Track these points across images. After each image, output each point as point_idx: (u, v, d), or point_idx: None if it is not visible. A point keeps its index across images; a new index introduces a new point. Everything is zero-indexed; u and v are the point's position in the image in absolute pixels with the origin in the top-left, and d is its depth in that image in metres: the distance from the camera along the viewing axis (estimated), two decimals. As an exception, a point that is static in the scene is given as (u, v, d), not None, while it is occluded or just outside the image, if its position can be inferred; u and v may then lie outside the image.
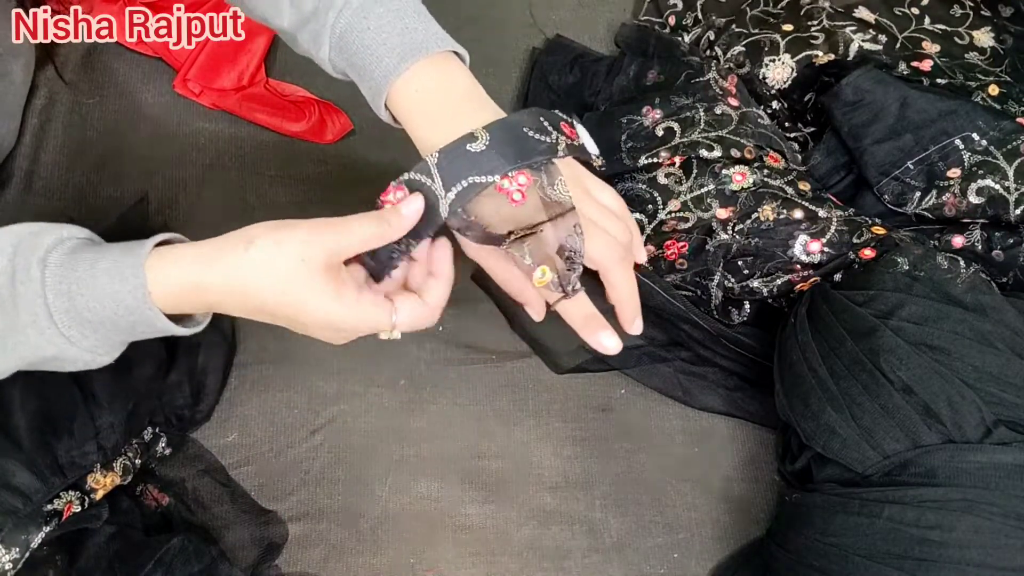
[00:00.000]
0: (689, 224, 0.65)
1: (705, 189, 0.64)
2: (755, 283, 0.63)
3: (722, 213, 0.64)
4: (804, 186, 0.65)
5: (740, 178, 0.64)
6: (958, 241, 0.64)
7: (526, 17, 0.81)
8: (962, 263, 0.58)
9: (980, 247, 0.64)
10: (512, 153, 0.40)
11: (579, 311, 0.42)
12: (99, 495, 0.53)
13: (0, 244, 0.37)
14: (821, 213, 0.63)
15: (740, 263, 0.63)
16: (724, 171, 0.64)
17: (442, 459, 0.65)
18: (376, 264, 0.42)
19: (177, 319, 0.40)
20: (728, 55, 0.74)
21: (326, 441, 0.64)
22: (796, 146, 0.73)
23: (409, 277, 0.43)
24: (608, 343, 0.41)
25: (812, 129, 0.75)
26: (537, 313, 0.45)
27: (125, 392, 0.54)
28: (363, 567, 0.62)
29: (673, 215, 0.65)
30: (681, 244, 0.65)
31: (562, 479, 0.65)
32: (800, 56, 0.72)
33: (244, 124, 0.71)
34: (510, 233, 0.40)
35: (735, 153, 0.65)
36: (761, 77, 0.72)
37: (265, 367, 0.66)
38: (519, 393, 0.67)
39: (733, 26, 0.76)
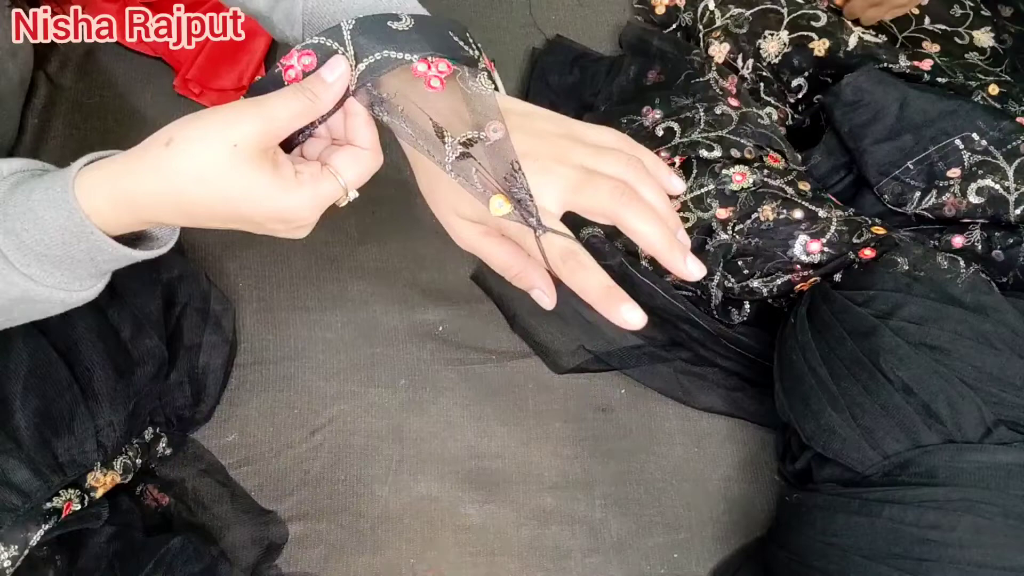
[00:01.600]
0: (689, 224, 0.65)
1: (705, 189, 0.64)
2: (755, 283, 0.63)
3: (722, 213, 0.64)
4: (804, 186, 0.65)
5: (740, 178, 0.64)
6: (958, 241, 0.64)
7: (526, 17, 0.81)
8: (962, 263, 0.58)
9: (980, 247, 0.64)
10: (436, 44, 0.37)
11: (596, 283, 0.35)
12: (99, 494, 0.53)
13: None
14: (821, 213, 0.63)
15: (740, 263, 0.63)
16: (724, 171, 0.64)
17: (442, 459, 0.65)
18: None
19: (136, 242, 0.37)
20: (727, 15, 0.74)
21: (326, 441, 0.64)
22: (778, 109, 0.72)
23: (321, 155, 0.38)
24: (630, 316, 0.35)
25: (797, 116, 0.75)
26: (549, 297, 0.39)
27: (126, 391, 0.54)
28: (363, 567, 0.62)
29: None
30: None
31: (562, 479, 0.65)
32: (796, 35, 0.72)
33: (244, 124, 0.72)
34: (441, 134, 0.35)
35: (735, 153, 0.65)
36: (757, 47, 0.72)
37: (265, 367, 0.66)
38: (519, 393, 0.67)
39: None
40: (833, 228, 0.62)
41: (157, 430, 0.60)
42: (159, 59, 0.72)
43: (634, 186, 0.36)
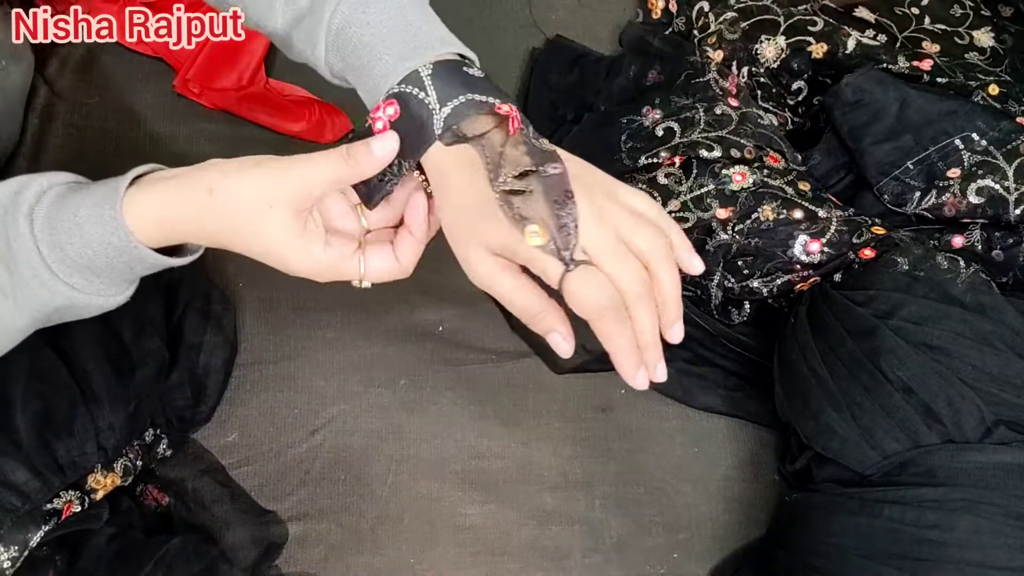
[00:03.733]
0: (689, 224, 0.65)
1: (705, 189, 0.64)
2: (755, 283, 0.63)
3: (722, 213, 0.64)
4: (804, 186, 0.65)
5: (740, 178, 0.64)
6: (958, 241, 0.64)
7: (526, 17, 0.81)
8: (962, 263, 0.58)
9: (980, 247, 0.64)
10: (500, 92, 0.38)
11: (625, 342, 0.35)
12: (99, 495, 0.53)
13: None
14: (821, 213, 0.63)
15: (740, 263, 0.63)
16: (724, 171, 0.64)
17: (442, 459, 0.65)
18: (367, 189, 0.39)
19: (172, 250, 0.39)
20: (721, 20, 0.74)
21: (326, 441, 0.64)
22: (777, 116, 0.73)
23: (376, 231, 0.41)
24: (641, 382, 0.36)
25: (797, 120, 0.75)
26: (568, 343, 0.37)
27: (126, 393, 0.54)
28: (363, 567, 0.62)
29: (673, 215, 0.65)
30: None
31: (562, 479, 0.65)
32: (794, 39, 0.72)
33: (244, 124, 0.71)
34: (498, 177, 0.36)
35: (735, 153, 0.65)
36: (754, 52, 0.72)
37: (265, 367, 0.66)
38: (519, 393, 0.67)
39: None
40: (833, 228, 0.62)
41: (157, 431, 0.60)
42: (159, 59, 0.72)
43: (654, 266, 0.36)
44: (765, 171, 0.65)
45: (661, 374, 0.37)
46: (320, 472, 0.63)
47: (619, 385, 0.69)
